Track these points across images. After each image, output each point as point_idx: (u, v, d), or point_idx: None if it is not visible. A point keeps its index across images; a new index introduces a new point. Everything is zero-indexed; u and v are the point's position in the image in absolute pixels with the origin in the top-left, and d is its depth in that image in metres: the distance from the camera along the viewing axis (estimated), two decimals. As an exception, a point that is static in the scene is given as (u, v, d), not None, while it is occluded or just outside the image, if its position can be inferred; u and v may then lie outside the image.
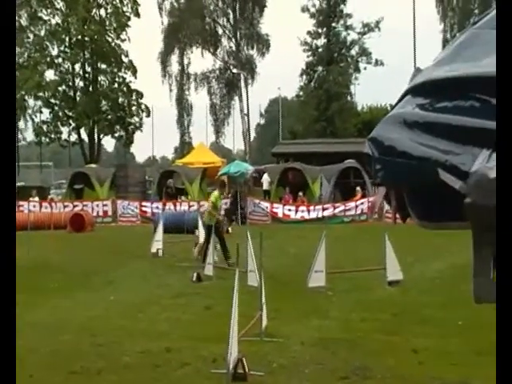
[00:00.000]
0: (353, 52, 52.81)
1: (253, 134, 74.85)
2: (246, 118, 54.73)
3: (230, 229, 21.14)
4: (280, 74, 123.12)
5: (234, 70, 53.52)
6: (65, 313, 9.32)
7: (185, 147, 55.35)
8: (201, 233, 16.48)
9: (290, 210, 26.72)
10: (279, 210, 26.78)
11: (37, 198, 29.24)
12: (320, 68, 52.31)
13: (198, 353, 6.97)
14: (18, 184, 40.85)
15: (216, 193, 14.20)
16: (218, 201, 13.84)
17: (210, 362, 6.61)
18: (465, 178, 1.96)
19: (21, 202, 27.59)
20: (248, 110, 54.79)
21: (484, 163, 1.93)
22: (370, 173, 2.35)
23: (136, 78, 49.52)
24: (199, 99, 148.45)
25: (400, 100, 2.30)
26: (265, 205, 26.96)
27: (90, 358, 6.86)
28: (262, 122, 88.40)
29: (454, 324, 8.12)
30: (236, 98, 55.82)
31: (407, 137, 2.11)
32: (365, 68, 52.54)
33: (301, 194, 27.94)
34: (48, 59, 46.93)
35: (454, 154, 2.00)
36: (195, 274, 11.76)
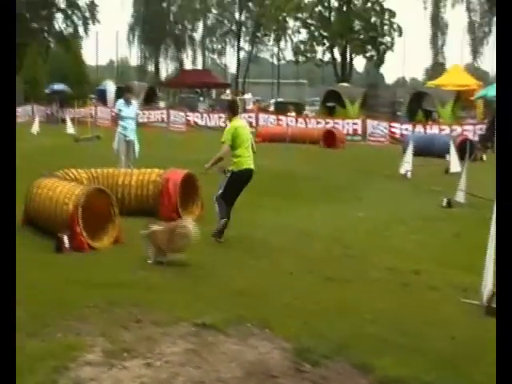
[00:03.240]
0: None
1: None
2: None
3: (484, 156, 20.02)
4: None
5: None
6: (316, 221, 9.78)
7: (437, 68, 52.94)
8: (452, 158, 15.87)
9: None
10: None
11: (293, 114, 30.86)
12: None
13: (448, 279, 6.74)
14: (279, 99, 43.79)
15: None
16: None
17: (461, 290, 6.34)
18: None
19: (280, 116, 30.09)
20: None
21: None
22: None
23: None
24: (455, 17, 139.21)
25: None
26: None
27: (340, 268, 7.08)
28: None
29: None
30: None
31: None
32: None
33: None
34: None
35: None
36: (445, 200, 11.40)
